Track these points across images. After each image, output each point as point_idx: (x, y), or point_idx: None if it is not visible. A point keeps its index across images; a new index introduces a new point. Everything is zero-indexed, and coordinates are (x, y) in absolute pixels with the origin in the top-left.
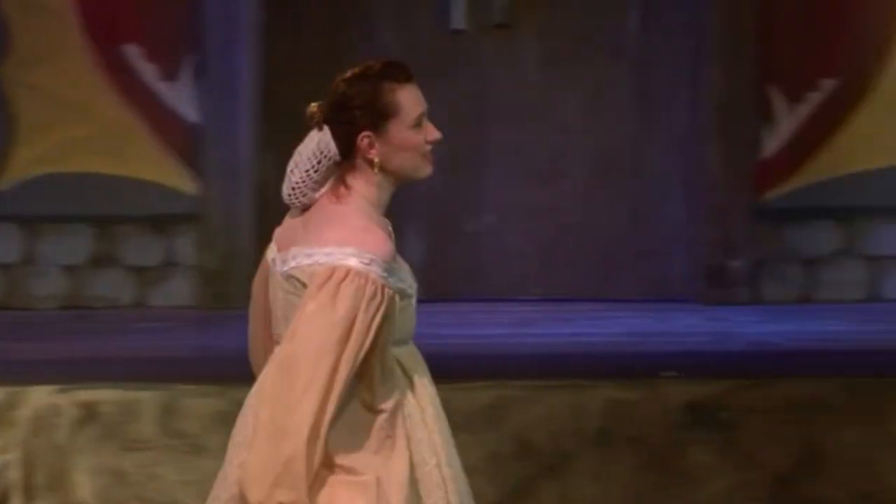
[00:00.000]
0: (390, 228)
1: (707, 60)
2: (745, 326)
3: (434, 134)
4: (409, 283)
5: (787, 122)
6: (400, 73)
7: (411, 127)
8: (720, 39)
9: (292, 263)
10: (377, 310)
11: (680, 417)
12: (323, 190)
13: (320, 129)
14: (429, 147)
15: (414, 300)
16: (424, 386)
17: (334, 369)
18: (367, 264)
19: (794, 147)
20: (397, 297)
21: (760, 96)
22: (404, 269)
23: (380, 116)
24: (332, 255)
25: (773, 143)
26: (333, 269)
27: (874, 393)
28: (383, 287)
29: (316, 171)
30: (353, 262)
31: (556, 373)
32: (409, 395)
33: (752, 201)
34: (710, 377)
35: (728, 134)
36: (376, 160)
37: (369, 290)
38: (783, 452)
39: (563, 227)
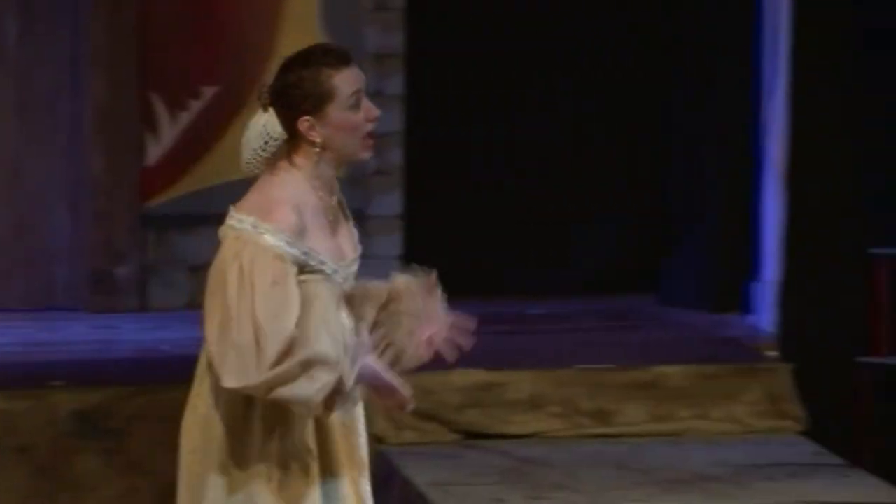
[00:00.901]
0: (335, 202)
1: (88, 67)
2: (132, 334)
3: (373, 112)
4: (321, 261)
5: (170, 130)
6: (336, 58)
7: (349, 108)
8: (101, 46)
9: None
10: (270, 274)
11: (68, 426)
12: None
13: (265, 110)
14: (369, 126)
15: (336, 278)
16: None
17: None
18: (262, 234)
19: (178, 154)
20: (292, 267)
21: (143, 103)
22: (323, 250)
23: (318, 101)
24: (242, 223)
25: (157, 150)
26: (237, 238)
27: None
28: (276, 256)
29: (264, 151)
30: (250, 233)
31: None
32: None
33: (137, 208)
34: (98, 385)
35: (111, 141)
36: (318, 141)
37: (260, 256)
38: (171, 459)
39: None
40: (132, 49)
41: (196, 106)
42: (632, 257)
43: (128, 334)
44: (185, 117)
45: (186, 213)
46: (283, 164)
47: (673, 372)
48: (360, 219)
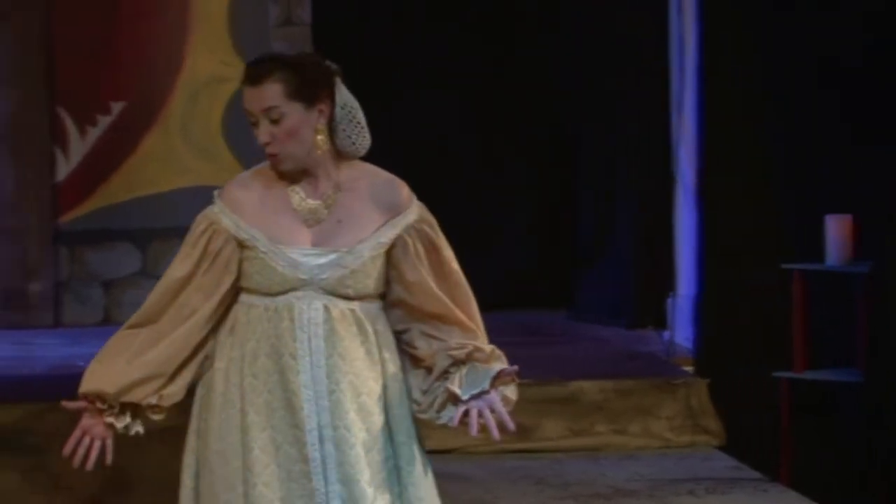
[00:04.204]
0: (318, 203)
1: None
2: (48, 350)
3: (259, 138)
4: (253, 236)
5: (80, 145)
6: (246, 74)
7: (251, 123)
8: (9, 62)
9: None
10: (200, 236)
11: None
12: None
13: None
14: (267, 148)
15: (275, 261)
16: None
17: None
18: (212, 204)
19: (90, 169)
20: (229, 240)
21: (52, 119)
22: (264, 227)
23: None
24: None
25: (68, 165)
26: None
27: None
28: (212, 222)
29: None
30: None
31: None
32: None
33: (50, 224)
34: (15, 402)
35: (22, 157)
36: None
37: (200, 220)
38: (91, 475)
39: None
40: (40, 64)
41: (105, 121)
42: (543, 272)
43: (43, 350)
44: (95, 133)
45: (99, 229)
46: None
47: (590, 387)
48: None
